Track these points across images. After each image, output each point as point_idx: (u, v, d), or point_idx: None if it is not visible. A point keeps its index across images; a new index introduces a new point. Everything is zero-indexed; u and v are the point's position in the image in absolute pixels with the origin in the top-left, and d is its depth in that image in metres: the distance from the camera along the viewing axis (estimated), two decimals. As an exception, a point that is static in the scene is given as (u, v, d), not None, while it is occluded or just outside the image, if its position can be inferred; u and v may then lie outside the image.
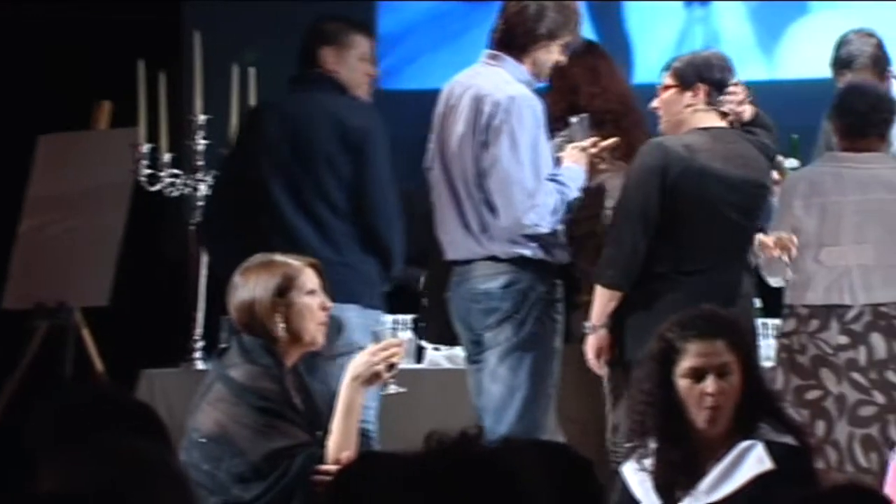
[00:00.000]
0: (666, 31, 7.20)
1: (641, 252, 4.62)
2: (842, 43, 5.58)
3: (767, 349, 5.06)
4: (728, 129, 4.76)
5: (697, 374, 3.52)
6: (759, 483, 3.38)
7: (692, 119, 4.75)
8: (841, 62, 5.52)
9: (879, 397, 4.94)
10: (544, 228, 4.66)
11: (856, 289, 4.98)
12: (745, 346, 3.57)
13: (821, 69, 6.64)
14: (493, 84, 4.68)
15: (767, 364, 4.94)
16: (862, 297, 4.96)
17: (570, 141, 4.82)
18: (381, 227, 4.79)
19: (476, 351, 4.76)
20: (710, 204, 4.67)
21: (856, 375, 4.94)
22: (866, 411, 4.92)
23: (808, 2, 7.19)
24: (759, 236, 4.85)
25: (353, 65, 4.87)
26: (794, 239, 4.84)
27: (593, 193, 4.91)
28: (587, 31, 7.13)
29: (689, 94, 4.74)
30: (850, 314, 4.97)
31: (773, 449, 3.37)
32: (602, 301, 4.64)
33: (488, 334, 4.70)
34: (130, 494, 2.06)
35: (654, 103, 4.80)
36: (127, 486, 2.07)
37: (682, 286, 4.59)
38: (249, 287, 3.92)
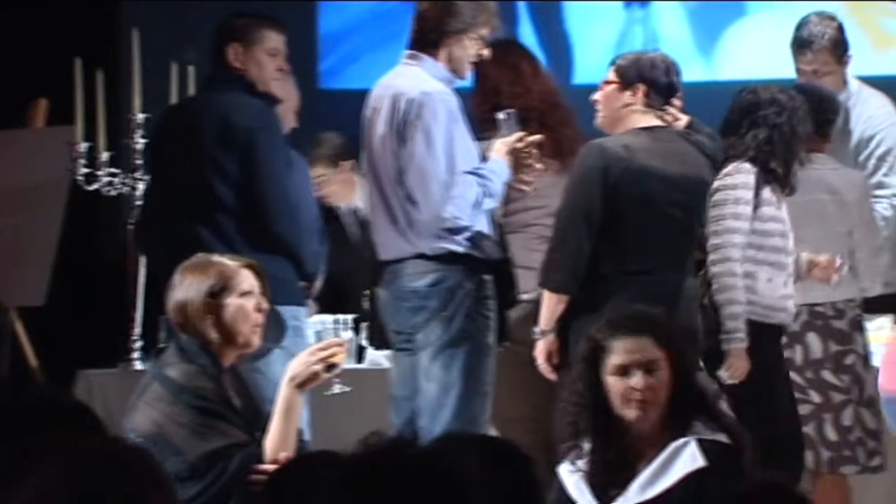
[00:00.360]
0: (606, 32, 7.27)
1: (586, 254, 4.67)
2: (803, 23, 5.61)
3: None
4: (665, 128, 4.81)
5: (624, 371, 3.57)
6: (691, 480, 3.44)
7: (629, 119, 4.80)
8: (801, 42, 5.55)
9: (815, 396, 5.02)
10: (465, 221, 4.70)
11: (793, 290, 4.93)
12: (676, 344, 3.60)
13: (758, 70, 6.76)
14: (410, 83, 4.77)
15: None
16: (798, 298, 4.95)
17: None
18: (278, 228, 4.80)
19: (403, 340, 4.82)
20: (652, 203, 4.72)
21: (792, 374, 4.96)
22: (802, 410, 4.94)
23: (746, 2, 7.22)
24: (806, 255, 4.87)
25: (262, 60, 4.89)
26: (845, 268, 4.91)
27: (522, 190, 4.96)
28: (527, 31, 7.28)
29: (628, 93, 4.77)
30: None
31: (705, 447, 3.42)
32: (549, 305, 4.68)
33: (419, 335, 4.75)
34: (113, 496, 2.07)
35: (595, 96, 4.85)
36: (109, 487, 2.07)
37: (626, 287, 4.63)
38: (184, 288, 3.94)
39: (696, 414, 3.48)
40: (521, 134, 4.84)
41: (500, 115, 4.86)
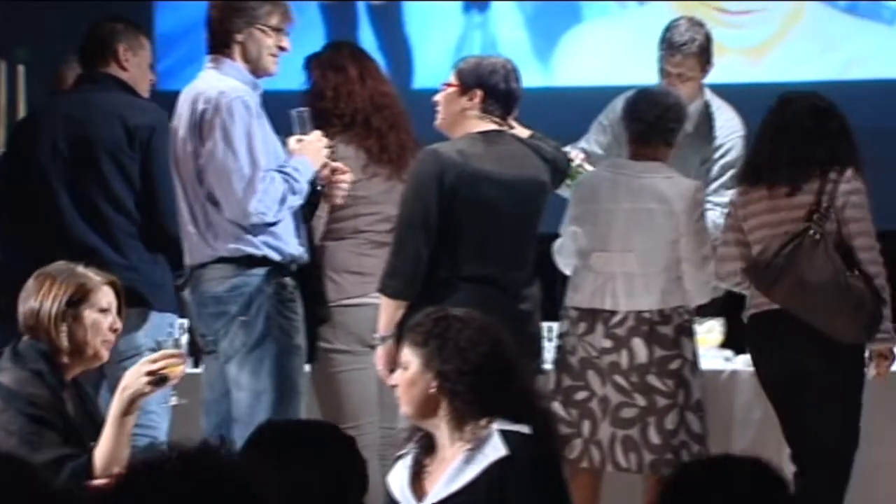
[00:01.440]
0: (445, 36, 7.36)
1: (424, 260, 4.75)
2: (673, 26, 5.76)
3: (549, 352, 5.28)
4: (500, 132, 4.88)
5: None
6: (495, 469, 3.59)
7: (466, 123, 4.88)
8: (672, 44, 5.70)
9: (640, 400, 5.14)
10: (271, 217, 4.77)
11: (618, 295, 5.17)
12: (439, 346, 3.70)
13: (594, 77, 7.11)
14: (207, 84, 4.87)
15: (547, 366, 5.19)
16: (624, 304, 5.16)
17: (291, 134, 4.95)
18: (169, 223, 4.94)
19: (210, 342, 4.88)
20: (488, 206, 4.80)
21: (618, 378, 5.14)
22: (627, 413, 5.13)
23: (582, 3, 7.37)
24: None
25: (145, 67, 5.08)
26: None
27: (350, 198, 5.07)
28: (367, 34, 7.31)
29: (465, 98, 4.86)
30: (615, 319, 5.16)
31: (507, 437, 3.56)
32: (388, 311, 4.76)
33: (223, 342, 4.82)
34: None
35: (436, 97, 4.94)
36: None
37: (463, 292, 4.72)
38: (42, 293, 3.96)
39: (500, 410, 3.63)
40: (318, 133, 4.93)
41: (293, 113, 4.92)
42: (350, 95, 5.16)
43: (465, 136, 4.88)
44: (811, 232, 4.96)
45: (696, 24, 5.79)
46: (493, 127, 4.90)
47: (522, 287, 4.87)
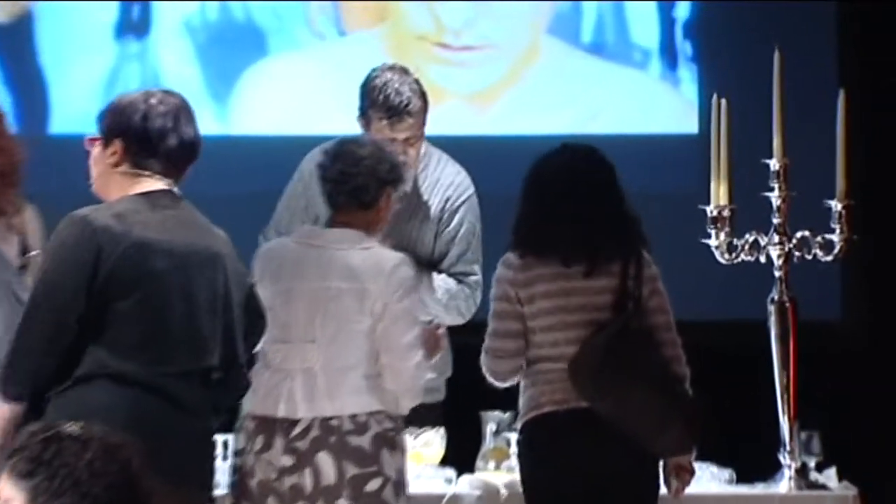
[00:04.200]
0: (93, 69, 7.17)
1: (57, 354, 4.48)
2: (381, 84, 5.55)
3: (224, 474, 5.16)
4: (167, 192, 4.57)
5: None
6: None
7: (122, 183, 4.56)
8: (391, 107, 5.49)
9: None
10: None
11: (296, 398, 4.94)
12: (77, 483, 3.39)
13: (282, 124, 7.07)
14: None
15: (218, 492, 4.96)
16: (304, 409, 4.92)
17: None
18: None
19: None
20: (154, 284, 4.51)
21: None
22: None
23: (270, 32, 7.27)
24: None
25: None
26: None
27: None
28: None
29: (109, 152, 4.55)
30: (296, 430, 4.93)
31: None
32: (7, 419, 4.46)
33: None
34: None
35: (90, 159, 4.71)
36: None
37: (112, 396, 4.46)
38: None
39: None
40: None
41: None
42: None
43: (122, 198, 4.56)
44: (632, 326, 4.98)
45: (404, 72, 5.62)
46: (159, 186, 4.56)
47: (193, 387, 4.58)
